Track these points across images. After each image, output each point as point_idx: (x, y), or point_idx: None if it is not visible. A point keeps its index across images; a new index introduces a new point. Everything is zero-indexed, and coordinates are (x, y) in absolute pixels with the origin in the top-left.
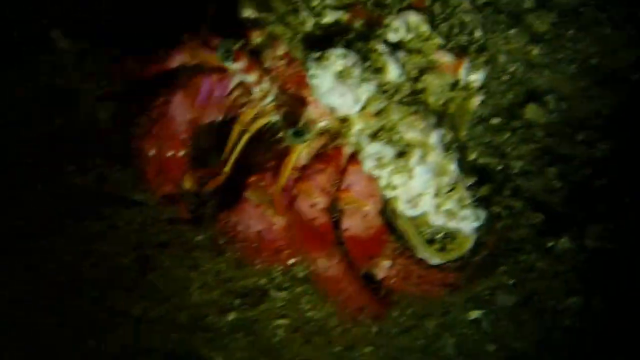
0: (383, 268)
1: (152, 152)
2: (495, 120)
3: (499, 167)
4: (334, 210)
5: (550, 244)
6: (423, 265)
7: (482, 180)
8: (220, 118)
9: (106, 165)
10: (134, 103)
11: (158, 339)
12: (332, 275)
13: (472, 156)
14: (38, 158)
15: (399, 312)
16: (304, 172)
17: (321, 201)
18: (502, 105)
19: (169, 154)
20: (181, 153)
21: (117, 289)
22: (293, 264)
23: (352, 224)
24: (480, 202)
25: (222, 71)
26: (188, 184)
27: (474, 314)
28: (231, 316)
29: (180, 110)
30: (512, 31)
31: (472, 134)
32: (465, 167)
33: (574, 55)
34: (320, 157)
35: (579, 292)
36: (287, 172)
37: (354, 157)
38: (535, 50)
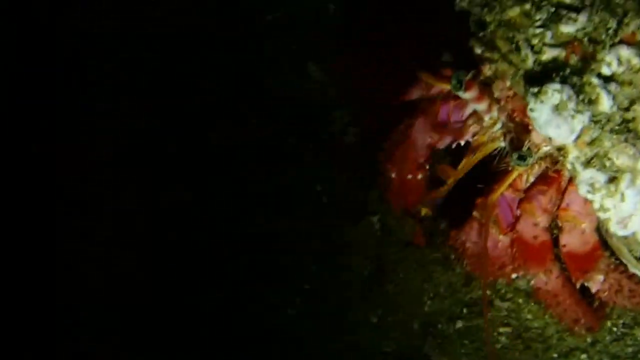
0: (597, 282)
1: (393, 174)
2: None
3: None
4: (553, 227)
5: None
6: (634, 280)
7: None
8: (454, 143)
9: (352, 187)
10: (378, 126)
11: (393, 343)
12: (551, 289)
13: None
14: (288, 177)
15: (611, 322)
16: (527, 194)
17: (543, 220)
18: None
19: (409, 176)
20: (419, 176)
21: (357, 297)
22: (516, 278)
23: (570, 240)
24: None
25: (458, 99)
26: (424, 211)
27: None
28: (459, 324)
29: (421, 134)
30: None
31: None
32: None
33: None
34: (542, 179)
35: None
36: (503, 188)
37: (572, 178)
38: None
